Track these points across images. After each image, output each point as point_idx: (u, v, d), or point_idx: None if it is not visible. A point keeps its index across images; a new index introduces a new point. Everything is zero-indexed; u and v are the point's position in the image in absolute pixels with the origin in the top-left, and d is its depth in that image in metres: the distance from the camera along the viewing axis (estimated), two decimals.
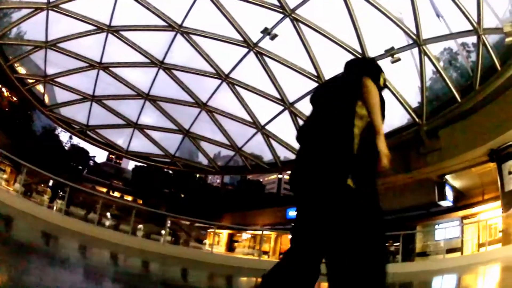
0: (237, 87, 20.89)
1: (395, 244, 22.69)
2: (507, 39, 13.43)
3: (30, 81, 24.25)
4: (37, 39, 20.65)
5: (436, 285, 9.20)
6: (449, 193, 21.35)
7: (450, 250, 20.02)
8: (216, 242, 38.26)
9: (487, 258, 12.17)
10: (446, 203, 21.71)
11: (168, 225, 34.21)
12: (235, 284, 8.77)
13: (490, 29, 14.39)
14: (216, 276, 9.57)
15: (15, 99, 32.30)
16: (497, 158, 16.32)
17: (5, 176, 25.10)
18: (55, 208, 19.63)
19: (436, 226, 22.83)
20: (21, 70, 24.54)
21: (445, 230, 21.64)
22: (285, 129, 22.12)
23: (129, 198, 51.45)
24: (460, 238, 21.09)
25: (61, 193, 23.85)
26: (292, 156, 23.01)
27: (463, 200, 22.85)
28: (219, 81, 20.79)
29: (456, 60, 18.00)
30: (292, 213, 30.67)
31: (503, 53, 14.71)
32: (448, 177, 20.60)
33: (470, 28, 14.26)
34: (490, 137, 15.71)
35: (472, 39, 15.36)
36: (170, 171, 42.34)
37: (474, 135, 16.30)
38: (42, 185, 29.77)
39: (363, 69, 2.65)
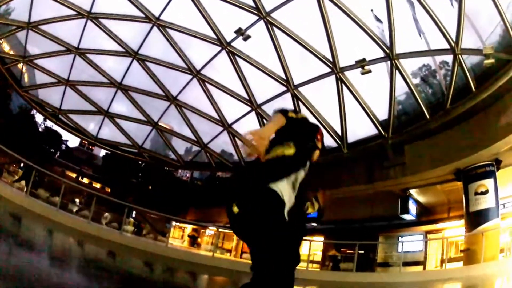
0: (207, 84, 20.92)
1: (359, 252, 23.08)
2: (486, 61, 13.51)
3: (11, 60, 24.07)
4: (21, 19, 20.54)
5: None
6: (412, 207, 21.47)
7: (413, 263, 20.29)
8: (180, 236, 38.18)
9: (449, 275, 12.29)
10: (409, 217, 21.87)
11: (133, 215, 34.23)
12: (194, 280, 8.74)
13: (469, 50, 14.42)
14: (175, 271, 9.56)
15: None
16: (463, 177, 16.43)
17: None
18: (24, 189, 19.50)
19: (400, 239, 23.02)
20: (5, 47, 24.31)
21: (408, 244, 21.91)
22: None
23: (98, 185, 51.24)
24: (423, 252, 21.39)
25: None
26: None
27: (427, 215, 23.06)
28: (190, 76, 20.81)
29: (434, 77, 18.09)
30: None
31: (479, 75, 14.80)
32: (412, 191, 20.75)
33: (448, 47, 14.31)
34: (457, 156, 15.82)
35: (450, 58, 15.33)
36: (140, 162, 42.17)
37: (441, 153, 16.40)
38: (14, 165, 29.39)
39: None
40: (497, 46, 13.89)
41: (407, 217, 21.74)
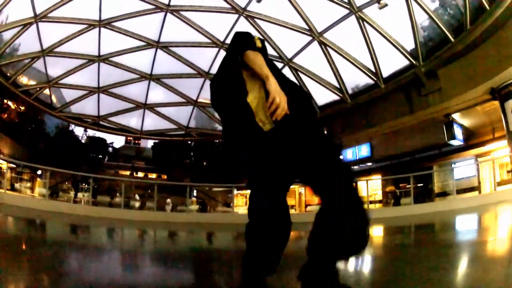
0: None
1: (417, 184, 23.21)
2: None
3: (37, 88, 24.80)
4: (32, 50, 21.04)
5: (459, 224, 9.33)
6: (458, 132, 21.33)
7: (469, 190, 20.27)
8: (244, 203, 38.94)
9: (501, 198, 12.05)
10: (457, 142, 21.74)
11: (194, 194, 35.16)
12: None
13: None
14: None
15: (22, 108, 32.94)
16: (499, 96, 16.26)
17: (29, 184, 25.87)
18: (82, 201, 20.41)
19: (452, 166, 22.94)
20: (24, 80, 25.11)
21: (462, 170, 21.83)
22: None
23: (153, 175, 52.56)
24: (476, 177, 21.26)
25: (85, 185, 24.74)
26: None
27: (474, 138, 22.85)
28: (216, 49, 21.09)
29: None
30: None
31: None
32: (455, 116, 20.57)
33: None
34: (488, 75, 15.61)
35: None
36: (189, 142, 42.65)
37: (472, 74, 16.24)
38: (66, 183, 30.77)
39: (235, 49, 2.63)
40: None
41: (455, 142, 21.65)
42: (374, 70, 19.14)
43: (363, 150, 27.86)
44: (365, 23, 17.31)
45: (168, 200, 27.15)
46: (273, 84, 2.32)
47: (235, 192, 33.53)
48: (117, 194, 23.12)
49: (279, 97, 2.26)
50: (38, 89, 24.55)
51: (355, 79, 21.02)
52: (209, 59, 22.23)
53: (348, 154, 28.21)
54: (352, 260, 3.94)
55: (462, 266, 3.68)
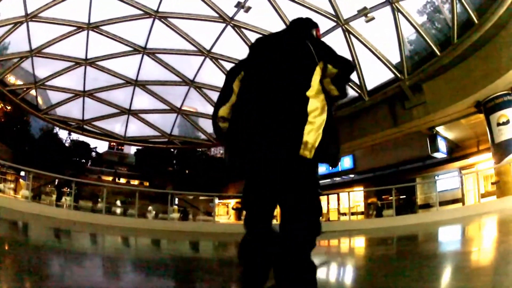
0: (220, 61, 21.11)
1: (400, 196, 23.41)
2: None
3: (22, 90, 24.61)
4: (21, 50, 20.94)
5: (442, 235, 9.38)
6: (441, 144, 21.68)
7: (452, 201, 20.49)
8: (225, 212, 38.81)
9: (484, 210, 12.26)
10: (440, 155, 22.06)
11: (176, 202, 34.95)
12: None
13: None
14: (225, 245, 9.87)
15: (9, 108, 32.59)
16: (484, 110, 16.56)
17: (12, 185, 25.46)
18: (65, 205, 20.14)
19: (436, 178, 23.22)
20: (12, 79, 24.89)
21: (445, 182, 22.07)
22: None
23: (136, 182, 52.29)
24: (460, 188, 21.50)
25: (68, 189, 24.44)
26: None
27: (458, 151, 23.20)
28: (202, 57, 21.10)
29: (440, 13, 17.96)
30: None
31: (479, 6, 14.70)
32: (439, 129, 20.90)
33: None
34: (473, 88, 15.90)
35: None
36: (172, 149, 42.50)
37: (458, 87, 16.51)
38: (49, 186, 30.36)
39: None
40: None
41: (438, 155, 22.00)
42: (358, 83, 19.25)
43: (346, 162, 28.07)
44: (351, 35, 17.44)
45: (150, 208, 26.99)
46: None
47: (217, 201, 33.47)
48: (99, 199, 22.86)
49: None
50: (24, 89, 24.38)
51: None
52: (195, 68, 22.38)
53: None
54: (334, 270, 3.92)
55: (444, 277, 3.67)
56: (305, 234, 2.37)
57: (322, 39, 2.72)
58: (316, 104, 2.36)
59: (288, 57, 2.50)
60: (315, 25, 2.81)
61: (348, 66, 2.49)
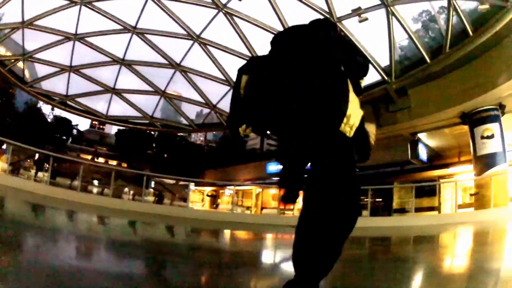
0: (208, 47, 20.99)
1: (377, 199, 23.56)
2: (480, 7, 13.56)
3: (10, 61, 24.33)
4: (14, 20, 20.72)
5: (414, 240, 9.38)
6: (422, 151, 21.80)
7: (428, 209, 20.66)
8: (200, 199, 38.75)
9: (461, 219, 12.40)
10: (420, 161, 22.16)
11: (153, 185, 34.79)
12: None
13: None
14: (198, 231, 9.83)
15: None
16: (469, 121, 16.76)
17: None
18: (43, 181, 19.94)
19: (413, 184, 23.34)
20: (1, 51, 24.50)
21: (422, 188, 22.25)
22: None
23: (114, 162, 51.92)
24: (437, 197, 21.70)
25: (47, 165, 24.19)
26: None
27: (438, 159, 23.36)
28: (191, 42, 20.92)
29: (435, 23, 18.01)
30: (272, 167, 31.17)
31: (476, 19, 14.82)
32: (421, 136, 21.03)
33: None
34: (460, 99, 16.10)
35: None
36: (153, 133, 42.29)
37: (445, 96, 16.64)
38: (29, 160, 29.98)
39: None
40: None
41: (418, 161, 22.05)
42: None
43: None
44: (342, 34, 17.36)
45: (126, 189, 26.77)
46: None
47: (192, 187, 33.35)
48: (77, 177, 22.69)
49: None
50: (12, 60, 24.14)
51: None
52: (183, 51, 22.15)
53: None
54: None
55: (413, 280, 3.67)
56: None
57: None
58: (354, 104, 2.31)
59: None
60: (335, 27, 2.76)
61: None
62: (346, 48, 2.44)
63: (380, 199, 24.18)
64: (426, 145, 22.26)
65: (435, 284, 3.28)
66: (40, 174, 24.30)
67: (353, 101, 2.28)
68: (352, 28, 17.40)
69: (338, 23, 17.05)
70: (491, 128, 15.87)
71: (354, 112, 2.26)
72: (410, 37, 16.65)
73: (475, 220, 12.17)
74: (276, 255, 6.30)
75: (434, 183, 22.66)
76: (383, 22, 16.51)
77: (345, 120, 2.20)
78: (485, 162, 15.85)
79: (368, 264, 5.00)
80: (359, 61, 2.44)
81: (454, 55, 15.53)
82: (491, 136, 15.81)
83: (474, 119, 16.47)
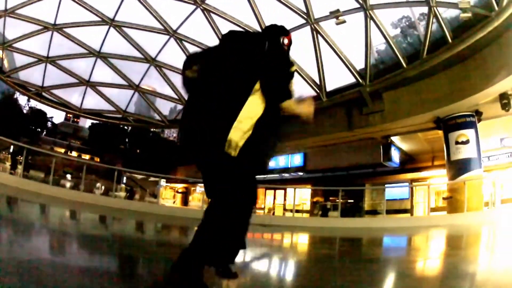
0: (184, 43, 20.86)
1: (348, 200, 23.79)
2: (462, 15, 13.69)
3: None
4: None
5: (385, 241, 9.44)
6: (395, 154, 22.01)
7: (400, 211, 20.96)
8: (172, 196, 38.54)
9: (433, 222, 12.47)
10: (392, 164, 22.43)
11: (124, 181, 34.48)
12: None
13: (444, 3, 14.56)
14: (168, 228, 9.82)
15: None
16: (444, 126, 16.99)
17: None
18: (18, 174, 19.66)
19: (385, 186, 23.61)
20: None
21: (395, 192, 22.56)
22: None
23: (87, 156, 51.27)
24: (409, 199, 22.02)
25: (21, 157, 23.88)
26: None
27: (411, 163, 23.69)
28: (167, 36, 20.83)
29: (414, 29, 18.21)
30: None
31: (457, 28, 15.04)
32: (394, 139, 21.22)
33: None
34: (435, 105, 16.33)
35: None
36: (126, 128, 41.86)
37: (419, 101, 16.89)
38: (4, 152, 29.46)
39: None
40: (476, 1, 14.18)
41: (390, 164, 22.30)
42: (318, 83, 19.37)
43: (296, 159, 28.27)
44: (319, 35, 17.52)
45: (98, 184, 26.54)
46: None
47: (164, 184, 33.15)
48: (50, 171, 22.44)
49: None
50: None
51: (297, 89, 21.14)
52: (158, 46, 22.09)
53: (281, 162, 28.60)
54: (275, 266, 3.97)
55: (381, 281, 3.72)
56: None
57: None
58: (251, 107, 2.52)
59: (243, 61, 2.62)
60: (284, 32, 2.87)
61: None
62: (273, 65, 2.70)
63: (352, 201, 24.44)
64: (399, 148, 22.54)
65: (404, 285, 3.37)
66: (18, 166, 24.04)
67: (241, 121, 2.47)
68: (329, 30, 17.51)
69: (315, 24, 17.19)
70: (466, 134, 16.11)
71: (238, 131, 2.45)
72: (387, 41, 16.78)
73: (448, 223, 12.34)
74: None
75: (407, 185, 23.02)
76: (361, 25, 16.68)
77: (226, 145, 2.42)
78: (459, 167, 16.09)
79: (337, 264, 5.04)
80: (277, 84, 2.75)
81: (431, 61, 15.71)
82: (466, 142, 16.05)
83: (449, 125, 16.71)
